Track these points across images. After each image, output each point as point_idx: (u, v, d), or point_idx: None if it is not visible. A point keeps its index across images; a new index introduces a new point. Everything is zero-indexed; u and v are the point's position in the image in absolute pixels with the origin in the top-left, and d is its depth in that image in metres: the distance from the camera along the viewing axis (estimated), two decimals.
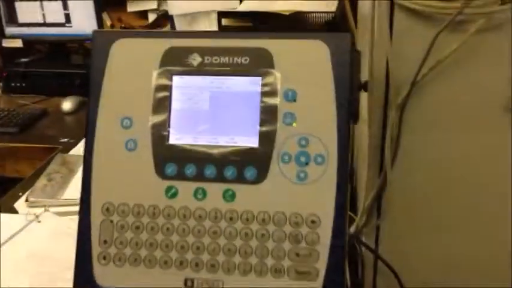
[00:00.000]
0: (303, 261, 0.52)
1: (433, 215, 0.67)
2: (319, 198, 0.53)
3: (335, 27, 1.15)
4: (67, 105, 1.64)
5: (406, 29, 0.59)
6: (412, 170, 0.65)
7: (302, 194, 0.53)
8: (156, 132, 0.56)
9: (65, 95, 1.71)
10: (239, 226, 0.54)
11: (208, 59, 0.56)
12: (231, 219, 0.54)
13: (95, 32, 0.60)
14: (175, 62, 0.57)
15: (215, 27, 1.51)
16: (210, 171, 0.55)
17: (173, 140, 0.56)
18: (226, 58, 0.56)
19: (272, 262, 0.53)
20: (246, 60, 0.56)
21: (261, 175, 0.54)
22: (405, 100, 0.61)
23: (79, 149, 1.24)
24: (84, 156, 0.57)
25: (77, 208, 0.58)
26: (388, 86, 0.62)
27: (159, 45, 0.57)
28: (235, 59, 0.56)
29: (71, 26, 1.79)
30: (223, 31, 1.23)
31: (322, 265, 0.52)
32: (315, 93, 0.54)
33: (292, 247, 0.53)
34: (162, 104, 0.57)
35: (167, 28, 1.82)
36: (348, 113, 0.53)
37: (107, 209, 0.56)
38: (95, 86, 0.58)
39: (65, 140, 1.39)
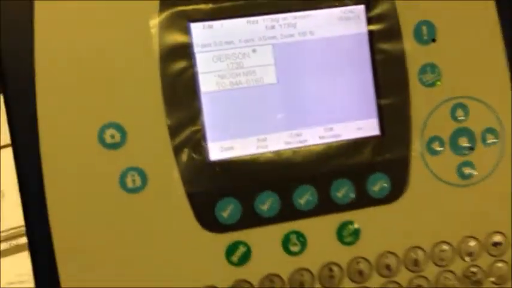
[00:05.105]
0: None
1: None
2: (498, 204, 0.31)
3: None
4: None
5: None
6: None
7: (471, 202, 0.31)
8: (181, 144, 0.28)
9: None
10: (376, 282, 0.30)
11: None
12: (360, 273, 0.30)
13: None
14: None
15: None
16: (304, 197, 0.29)
17: (217, 152, 0.29)
18: None
19: None
20: None
21: (398, 185, 0.30)
22: None
23: None
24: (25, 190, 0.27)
25: None
26: None
27: None
28: None
29: None
30: None
31: None
32: (466, 24, 0.30)
33: None
34: (181, 86, 0.28)
35: None
36: None
37: None
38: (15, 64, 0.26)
39: None
